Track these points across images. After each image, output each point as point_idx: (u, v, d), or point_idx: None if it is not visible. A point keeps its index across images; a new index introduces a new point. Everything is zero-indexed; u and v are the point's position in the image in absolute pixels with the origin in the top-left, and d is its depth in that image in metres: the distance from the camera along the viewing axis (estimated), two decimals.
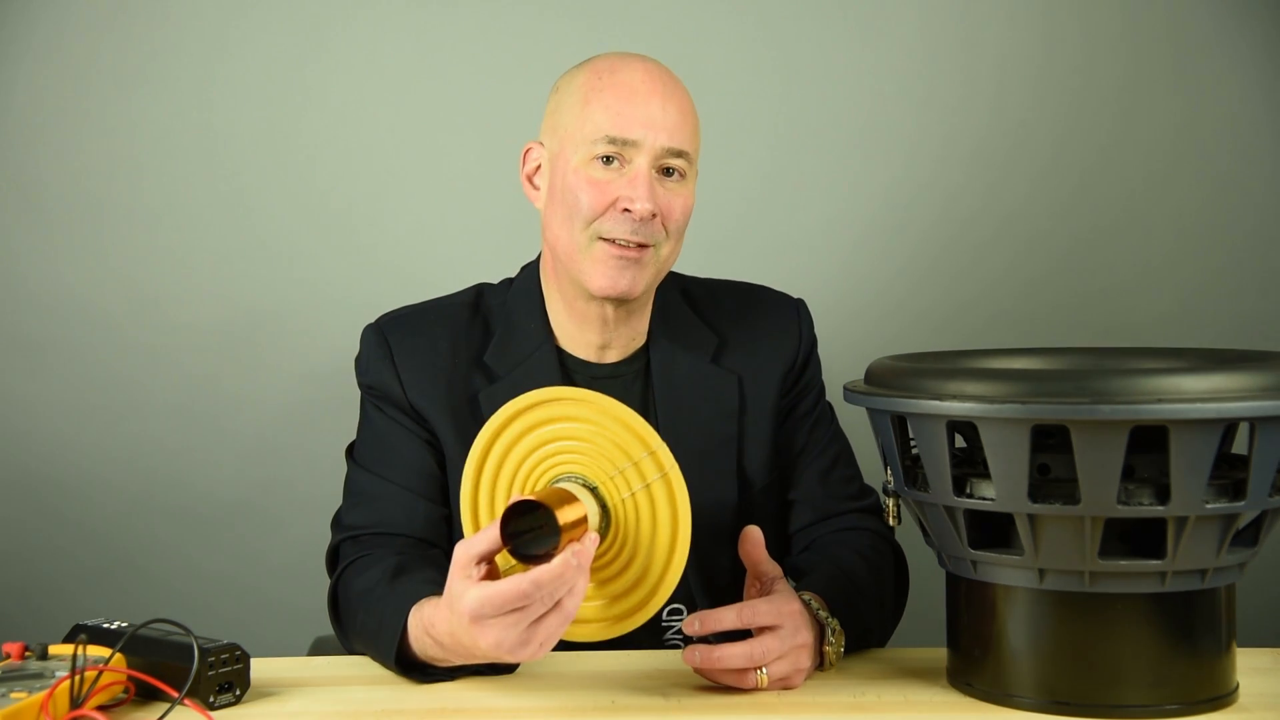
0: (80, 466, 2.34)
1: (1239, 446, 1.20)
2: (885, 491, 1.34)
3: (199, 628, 1.25)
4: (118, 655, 1.21)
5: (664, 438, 1.24)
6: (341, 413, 1.76)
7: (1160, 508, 1.15)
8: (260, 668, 1.34)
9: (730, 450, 1.57)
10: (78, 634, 1.30)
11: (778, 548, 1.59)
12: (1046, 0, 2.39)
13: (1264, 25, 2.37)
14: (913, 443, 1.26)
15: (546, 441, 1.27)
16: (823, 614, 1.36)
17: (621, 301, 1.52)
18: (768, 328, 1.64)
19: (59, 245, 2.34)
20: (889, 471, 1.32)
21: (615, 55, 1.52)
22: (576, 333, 1.56)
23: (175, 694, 1.19)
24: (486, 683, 1.34)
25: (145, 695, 1.26)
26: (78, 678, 1.16)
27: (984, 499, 1.21)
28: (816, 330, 1.68)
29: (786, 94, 2.39)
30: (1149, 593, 1.19)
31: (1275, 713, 1.23)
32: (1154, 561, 1.18)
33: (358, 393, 1.59)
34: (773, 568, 1.38)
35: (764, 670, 1.29)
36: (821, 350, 1.70)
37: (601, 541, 1.25)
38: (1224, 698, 1.23)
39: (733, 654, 1.29)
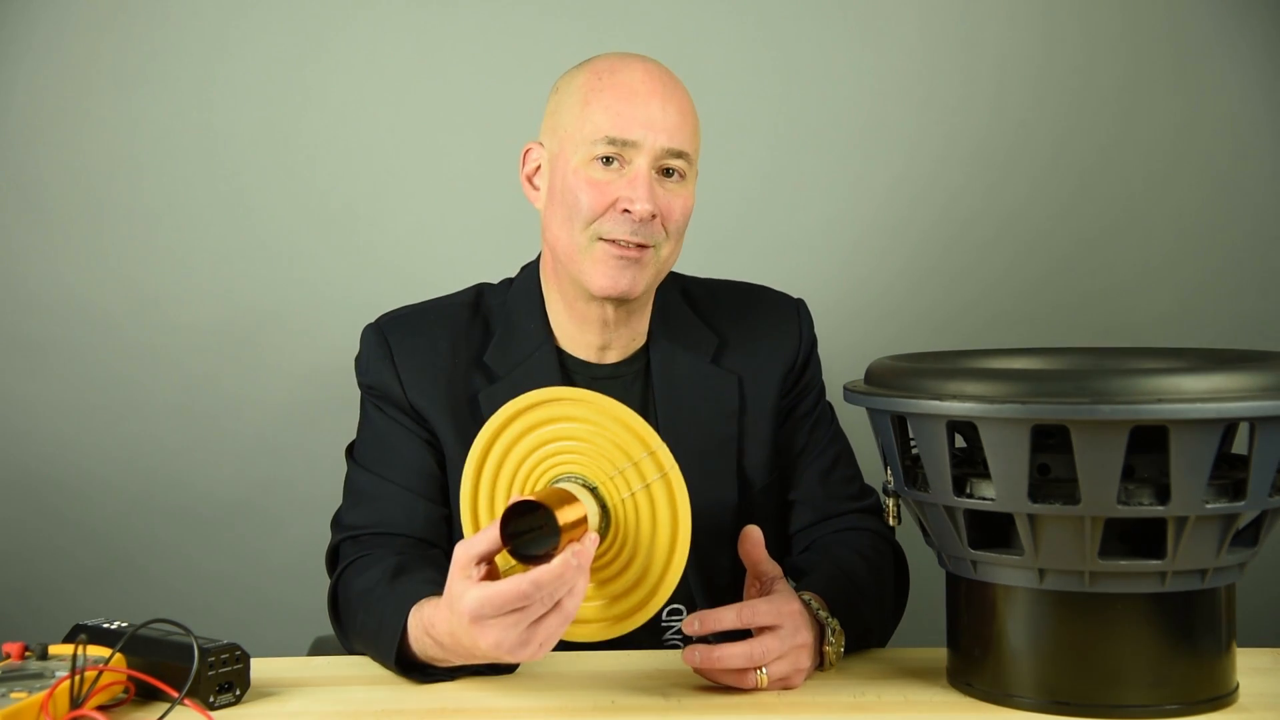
0: (80, 466, 2.35)
1: (1239, 446, 1.20)
2: (885, 491, 1.34)
3: (199, 628, 1.25)
4: (118, 655, 1.21)
5: (664, 438, 1.24)
6: (341, 413, 1.76)
7: (1160, 508, 1.15)
8: (260, 668, 1.34)
9: (730, 450, 1.57)
10: (78, 634, 1.30)
11: (778, 548, 1.59)
12: (1046, 0, 2.39)
13: (1264, 25, 2.37)
14: (913, 443, 1.26)
15: (546, 441, 1.27)
16: (823, 614, 1.36)
17: (621, 302, 1.52)
18: (768, 328, 1.64)
19: (59, 245, 2.34)
20: (889, 471, 1.32)
21: (615, 56, 1.52)
22: (576, 333, 1.56)
23: (175, 694, 1.19)
24: (486, 683, 1.34)
25: (145, 695, 1.26)
26: (78, 678, 1.16)
27: (984, 499, 1.21)
28: (816, 330, 1.68)
29: (786, 94, 2.39)
30: (1149, 593, 1.19)
31: (1275, 713, 1.23)
32: (1154, 561, 1.18)
33: (358, 393, 1.59)
34: (772, 567, 1.37)
35: (764, 670, 1.29)
36: (821, 350, 1.70)
37: (601, 542, 1.25)
38: (1224, 698, 1.23)
39: (732, 654, 1.29)
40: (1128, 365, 1.35)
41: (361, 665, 1.40)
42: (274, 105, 2.35)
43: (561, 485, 1.25)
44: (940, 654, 1.35)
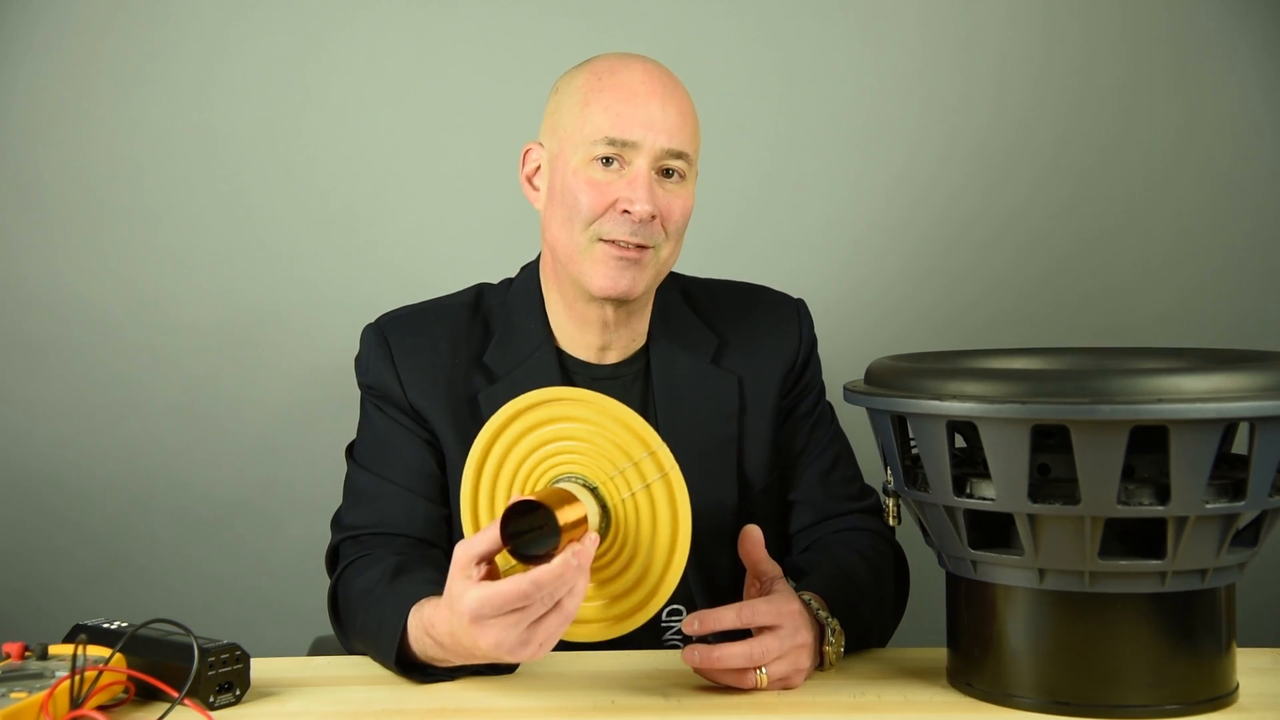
0: (80, 466, 2.35)
1: (1239, 446, 1.20)
2: (885, 491, 1.34)
3: (199, 628, 1.25)
4: (118, 655, 1.21)
5: (664, 439, 1.24)
6: (341, 413, 1.76)
7: (1160, 508, 1.15)
8: (260, 668, 1.34)
9: (730, 451, 1.57)
10: (78, 634, 1.30)
11: (778, 548, 1.59)
12: (1046, 0, 2.39)
13: (1264, 25, 2.37)
14: (913, 443, 1.26)
15: (547, 442, 1.27)
16: (823, 614, 1.36)
17: (621, 302, 1.52)
18: (768, 328, 1.64)
19: (59, 245, 2.34)
20: (889, 471, 1.32)
21: (615, 56, 1.52)
22: (576, 334, 1.56)
23: (175, 694, 1.19)
24: (486, 683, 1.34)
25: (145, 695, 1.26)
26: (78, 678, 1.16)
27: (984, 499, 1.21)
28: (816, 330, 1.68)
29: (786, 94, 2.39)
30: (1149, 593, 1.19)
31: (1275, 713, 1.23)
32: (1154, 561, 1.18)
33: (358, 393, 1.59)
34: (772, 567, 1.37)
35: (763, 670, 1.29)
36: (821, 350, 1.70)
37: (601, 542, 1.25)
38: (1224, 698, 1.23)
39: (732, 654, 1.29)
40: (1128, 365, 1.35)
41: (361, 665, 1.40)
42: (274, 105, 2.35)
43: (562, 485, 1.25)
44: (940, 654, 1.35)
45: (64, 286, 2.34)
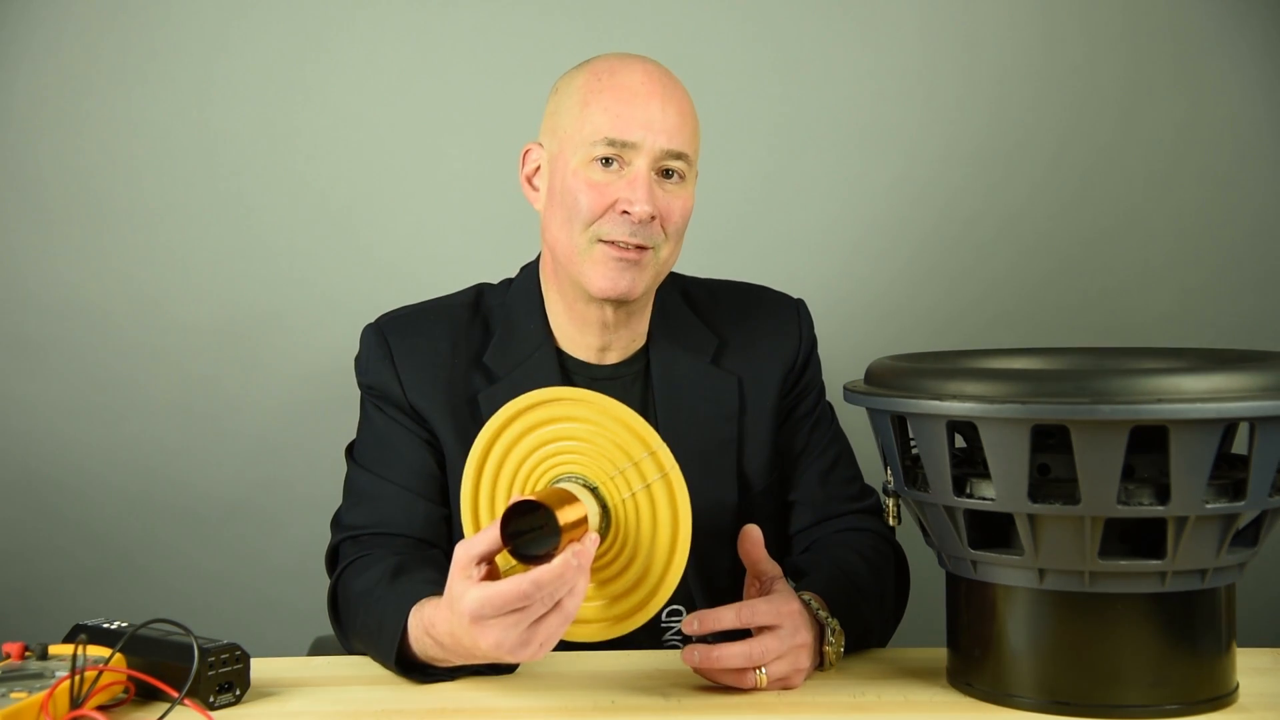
0: (80, 466, 2.34)
1: (1239, 446, 1.20)
2: (885, 491, 1.34)
3: (199, 628, 1.25)
4: (118, 655, 1.21)
5: (663, 439, 1.24)
6: (341, 413, 1.76)
7: (1160, 508, 1.15)
8: (260, 668, 1.34)
9: (730, 452, 1.57)
10: (78, 634, 1.30)
11: (778, 549, 1.59)
12: (1046, 0, 2.39)
13: (1264, 25, 2.37)
14: (913, 443, 1.26)
15: (547, 442, 1.27)
16: (822, 614, 1.36)
17: (621, 303, 1.52)
18: (768, 329, 1.64)
19: (59, 245, 2.34)
20: (889, 471, 1.32)
21: (615, 56, 1.52)
22: (576, 334, 1.56)
23: (175, 694, 1.19)
24: (486, 683, 1.34)
25: (145, 695, 1.26)
26: (78, 678, 1.16)
27: (984, 499, 1.21)
28: (816, 330, 1.68)
29: (786, 94, 2.39)
30: (1149, 593, 1.19)
31: (1275, 713, 1.23)
32: (1154, 561, 1.17)
33: (358, 393, 1.59)
34: (772, 567, 1.37)
35: (763, 670, 1.29)
36: (821, 350, 1.70)
37: (602, 542, 1.25)
38: (1224, 698, 1.23)
39: (732, 654, 1.29)
40: (1128, 365, 1.35)
41: (361, 665, 1.40)
42: (274, 105, 2.35)
43: (562, 485, 1.25)
44: (940, 654, 1.35)
45: (64, 286, 2.34)
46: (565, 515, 1.18)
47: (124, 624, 1.31)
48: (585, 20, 2.36)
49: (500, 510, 1.24)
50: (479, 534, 1.20)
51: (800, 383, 1.64)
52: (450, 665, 1.31)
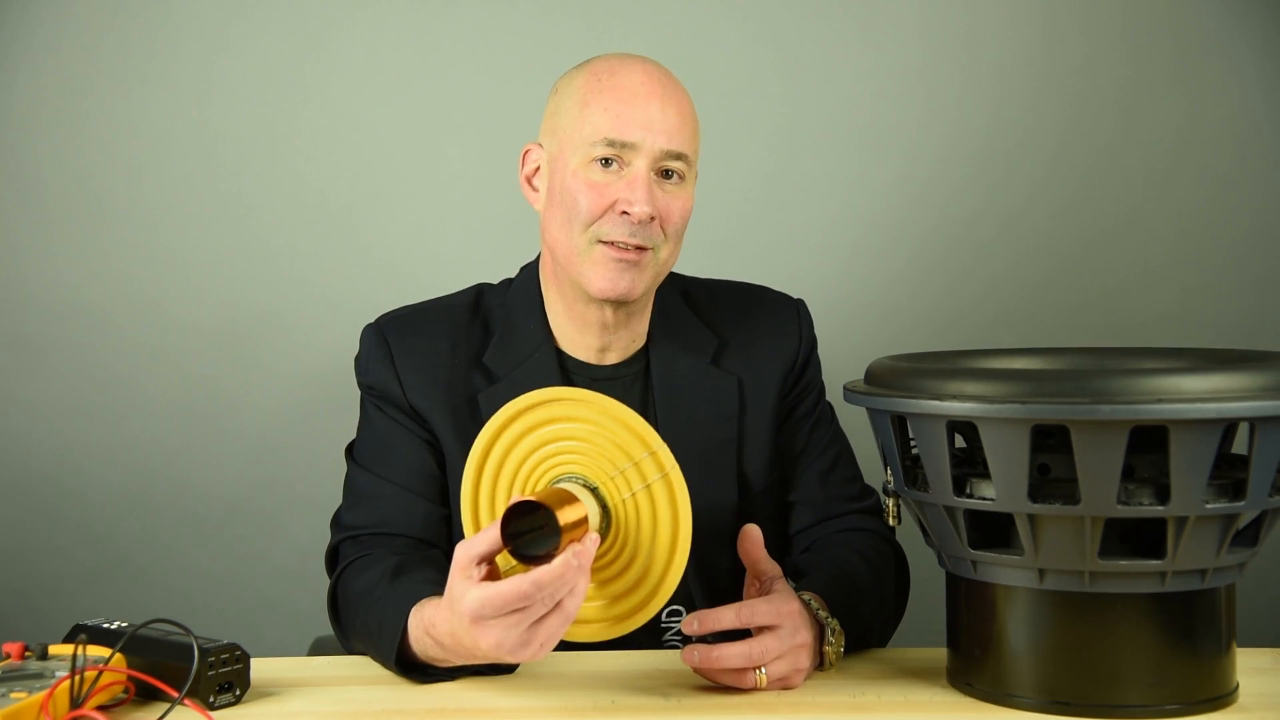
0: (80, 466, 2.35)
1: (1239, 446, 1.20)
2: (885, 491, 1.34)
3: (199, 628, 1.25)
4: (118, 655, 1.21)
5: (663, 439, 1.24)
6: (341, 413, 1.76)
7: (1160, 508, 1.15)
8: (260, 668, 1.34)
9: (730, 452, 1.57)
10: (78, 634, 1.30)
11: (778, 549, 1.59)
12: (1046, 0, 2.39)
13: (1264, 25, 2.37)
14: (913, 443, 1.26)
15: (547, 442, 1.27)
16: (822, 614, 1.36)
17: (621, 304, 1.51)
18: (768, 329, 1.64)
19: (59, 245, 2.34)
20: (889, 471, 1.32)
21: (614, 57, 1.52)
22: (576, 335, 1.56)
23: (175, 694, 1.19)
24: (486, 683, 1.34)
25: (145, 695, 1.26)
26: (78, 678, 1.16)
27: (984, 499, 1.21)
28: (816, 330, 1.68)
29: (786, 94, 2.39)
30: (1149, 593, 1.19)
31: (1275, 713, 1.23)
32: (1154, 561, 1.18)
33: (358, 393, 1.59)
34: (772, 567, 1.37)
35: (763, 670, 1.29)
36: (821, 350, 1.70)
37: (602, 542, 1.25)
38: (1224, 698, 1.23)
39: (731, 653, 1.29)
40: (1128, 365, 1.35)
41: (361, 665, 1.40)
42: (273, 105, 2.35)
43: (562, 485, 1.25)
44: (940, 654, 1.35)
45: (64, 286, 2.34)
46: (565, 515, 1.18)
47: (124, 624, 1.31)
48: (585, 20, 2.36)
49: (500, 510, 1.24)
50: (479, 534, 1.20)
51: (800, 383, 1.64)
52: (450, 665, 1.31)
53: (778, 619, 1.30)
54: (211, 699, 1.24)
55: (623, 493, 1.25)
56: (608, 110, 1.46)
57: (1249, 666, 1.31)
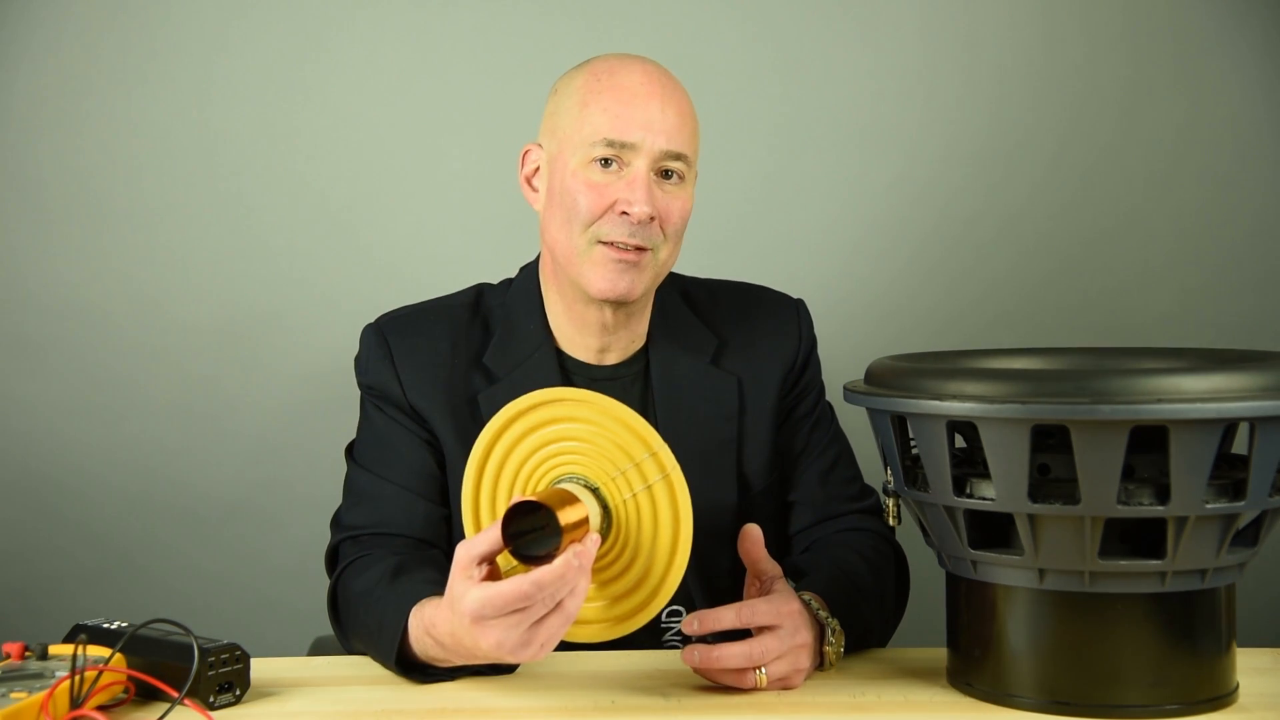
0: (80, 466, 2.35)
1: (1239, 446, 1.20)
2: (885, 491, 1.34)
3: (199, 628, 1.25)
4: (118, 655, 1.21)
5: (663, 440, 1.24)
6: (341, 413, 1.76)
7: (1160, 508, 1.15)
8: (260, 668, 1.34)
9: (730, 452, 1.57)
10: (78, 634, 1.30)
11: (778, 549, 1.59)
12: (1046, 0, 2.39)
13: (1264, 25, 2.37)
14: (913, 443, 1.26)
15: (548, 442, 1.27)
16: (823, 614, 1.36)
17: (620, 304, 1.51)
18: (767, 329, 1.64)
19: (59, 245, 2.34)
20: (889, 471, 1.32)
21: (614, 57, 1.52)
22: (576, 335, 1.56)
23: (175, 694, 1.19)
24: (486, 683, 1.34)
25: (145, 695, 1.26)
26: (78, 678, 1.16)
27: (984, 499, 1.21)
28: (816, 330, 1.68)
29: (786, 94, 2.39)
30: (1149, 593, 1.19)
31: (1275, 713, 1.23)
32: (1154, 561, 1.18)
33: (358, 393, 1.59)
34: (772, 567, 1.37)
35: (763, 670, 1.29)
36: (821, 350, 1.70)
37: (603, 542, 1.25)
38: (1224, 698, 1.23)
39: (731, 654, 1.29)
40: (1128, 365, 1.35)
41: (361, 665, 1.40)
42: (273, 105, 2.35)
43: (563, 486, 1.25)
44: (940, 654, 1.35)
45: (64, 286, 2.34)
46: (566, 516, 1.18)
47: (124, 624, 1.31)
48: (585, 20, 2.36)
49: (501, 511, 1.24)
50: (480, 534, 1.20)
51: (800, 383, 1.64)
52: (450, 665, 1.31)
53: (778, 619, 1.30)
54: (211, 699, 1.24)
55: (624, 493, 1.25)
56: (607, 110, 1.46)
57: (1249, 666, 1.31)
